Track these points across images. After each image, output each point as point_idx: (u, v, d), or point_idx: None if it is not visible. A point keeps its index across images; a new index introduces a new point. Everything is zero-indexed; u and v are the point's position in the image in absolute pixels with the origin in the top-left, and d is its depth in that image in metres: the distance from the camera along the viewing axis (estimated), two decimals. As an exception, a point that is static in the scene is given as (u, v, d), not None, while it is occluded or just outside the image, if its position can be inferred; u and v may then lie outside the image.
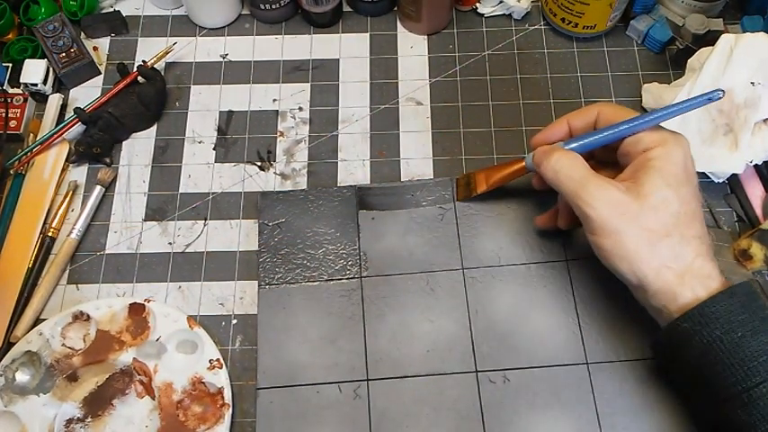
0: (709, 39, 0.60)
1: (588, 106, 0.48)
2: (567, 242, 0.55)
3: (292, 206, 0.57)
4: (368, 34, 0.67)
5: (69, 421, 0.52)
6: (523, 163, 0.50)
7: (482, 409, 0.50)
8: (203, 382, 0.52)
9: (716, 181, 0.57)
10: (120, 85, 0.62)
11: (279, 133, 0.63)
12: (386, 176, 0.60)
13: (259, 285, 0.55)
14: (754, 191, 0.57)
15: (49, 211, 0.59)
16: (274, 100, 0.64)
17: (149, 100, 0.62)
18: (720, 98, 0.42)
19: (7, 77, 0.65)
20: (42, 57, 0.65)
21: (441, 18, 0.66)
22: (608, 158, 0.47)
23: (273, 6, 0.65)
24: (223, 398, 0.51)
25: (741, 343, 0.40)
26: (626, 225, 0.42)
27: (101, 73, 0.66)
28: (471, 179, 0.56)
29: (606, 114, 0.46)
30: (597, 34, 0.65)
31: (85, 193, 0.60)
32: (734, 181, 0.58)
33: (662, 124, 0.45)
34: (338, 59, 0.66)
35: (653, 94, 0.61)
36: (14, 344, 0.53)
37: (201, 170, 0.61)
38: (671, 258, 0.42)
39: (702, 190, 0.58)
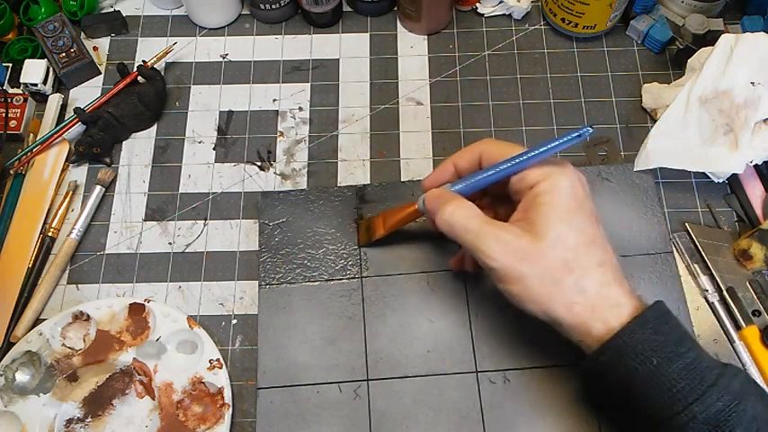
0: (709, 39, 0.61)
1: (472, 145, 0.47)
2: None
3: (293, 206, 0.57)
4: (368, 34, 0.67)
5: (69, 421, 0.52)
6: (416, 206, 0.49)
7: (482, 409, 0.50)
8: (203, 382, 0.52)
9: (716, 181, 0.57)
10: (120, 85, 0.62)
11: (279, 133, 0.63)
12: (386, 176, 0.60)
13: (259, 285, 0.55)
14: (754, 191, 0.57)
15: (49, 211, 0.59)
16: (274, 100, 0.64)
17: (149, 100, 0.62)
18: (591, 134, 0.41)
19: (7, 77, 0.65)
20: (42, 57, 0.65)
21: (441, 18, 0.66)
22: (502, 192, 0.46)
23: (273, 6, 0.65)
24: (223, 398, 0.51)
25: (658, 372, 0.39)
26: (528, 269, 0.41)
27: (101, 73, 0.66)
28: (371, 223, 0.55)
29: (488, 153, 0.45)
30: (597, 34, 0.65)
31: (85, 193, 0.60)
32: (734, 181, 0.58)
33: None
34: (338, 59, 0.66)
35: (653, 94, 0.61)
36: (14, 344, 0.53)
37: (201, 170, 0.61)
38: (577, 293, 0.41)
39: (702, 190, 0.58)
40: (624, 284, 0.42)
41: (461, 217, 0.44)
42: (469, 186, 0.45)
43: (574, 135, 0.41)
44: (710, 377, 0.39)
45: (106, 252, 0.58)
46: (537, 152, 0.42)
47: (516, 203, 0.44)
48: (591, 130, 0.41)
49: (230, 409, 0.51)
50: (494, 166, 0.44)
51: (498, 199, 0.48)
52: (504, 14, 0.67)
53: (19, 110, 0.62)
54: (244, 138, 0.62)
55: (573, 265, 0.41)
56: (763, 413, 0.39)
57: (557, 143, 0.42)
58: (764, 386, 0.51)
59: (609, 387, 0.42)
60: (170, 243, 0.58)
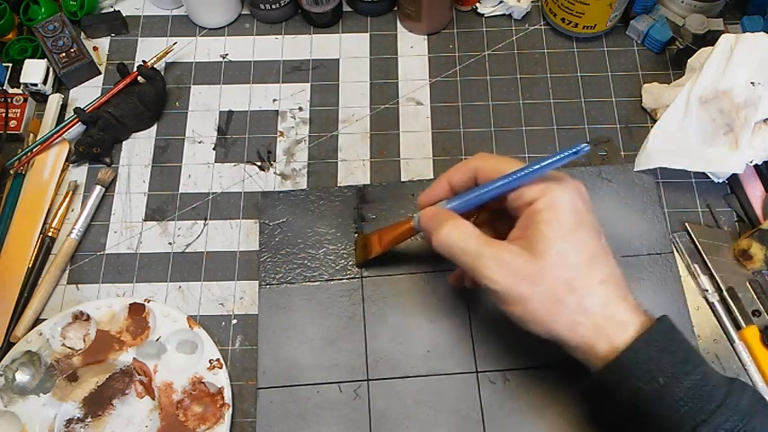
0: (709, 39, 0.61)
1: (466, 161, 0.45)
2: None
3: (293, 206, 0.57)
4: (368, 34, 0.67)
5: (69, 421, 0.52)
6: (412, 223, 0.48)
7: (482, 409, 0.50)
8: (203, 382, 0.52)
9: (716, 181, 0.57)
10: (120, 85, 0.62)
11: (279, 133, 0.63)
12: (386, 176, 0.60)
13: (260, 285, 0.55)
14: (754, 191, 0.57)
15: (49, 211, 0.59)
16: (274, 100, 0.64)
17: (149, 100, 0.62)
18: (586, 151, 0.40)
19: (7, 77, 0.65)
20: (42, 57, 0.65)
21: (441, 18, 0.66)
22: (501, 207, 0.45)
23: (273, 6, 0.65)
24: (223, 398, 0.51)
25: (664, 392, 0.38)
26: (529, 290, 0.40)
27: (101, 73, 0.66)
28: (367, 241, 0.53)
29: (483, 171, 0.44)
30: (597, 34, 0.65)
31: (85, 193, 0.60)
32: (734, 181, 0.58)
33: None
34: (338, 59, 0.66)
35: (653, 94, 0.61)
36: (14, 344, 0.53)
37: (201, 170, 0.61)
38: (580, 313, 0.40)
39: (702, 190, 0.58)
40: (629, 299, 0.41)
41: (458, 238, 0.43)
42: (465, 204, 0.44)
43: (570, 152, 0.40)
44: (718, 396, 0.38)
45: (106, 252, 0.58)
46: (532, 169, 0.41)
47: (515, 219, 0.43)
48: (587, 148, 0.40)
49: (230, 409, 0.51)
50: (489, 184, 0.43)
51: (497, 213, 0.47)
52: (504, 14, 0.67)
53: (19, 110, 0.62)
54: (244, 138, 0.62)
55: (575, 283, 0.40)
56: None
57: (552, 160, 0.41)
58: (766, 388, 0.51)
59: (614, 407, 0.41)
60: (170, 243, 0.58)
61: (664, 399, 0.38)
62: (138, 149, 0.62)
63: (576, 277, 0.40)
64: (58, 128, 0.61)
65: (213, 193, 0.60)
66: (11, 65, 0.65)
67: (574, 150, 0.40)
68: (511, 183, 0.42)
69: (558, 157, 0.40)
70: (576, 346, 0.41)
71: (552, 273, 0.40)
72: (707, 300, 0.54)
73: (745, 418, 0.37)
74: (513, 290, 0.41)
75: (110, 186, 0.60)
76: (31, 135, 0.62)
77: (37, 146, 0.60)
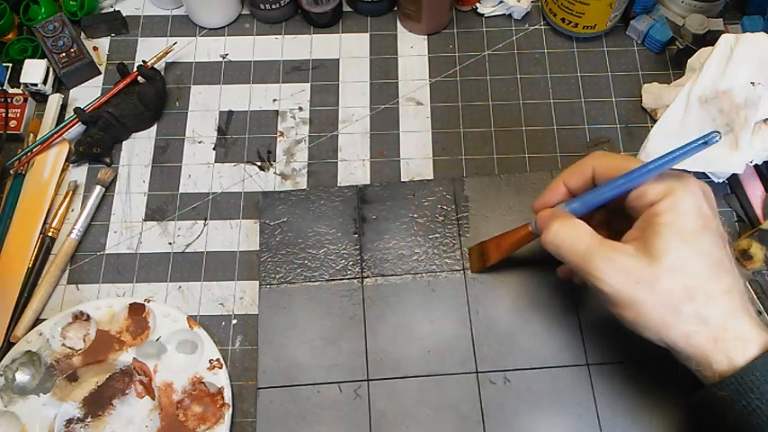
0: (709, 39, 0.61)
1: (582, 160, 0.44)
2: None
3: (293, 206, 0.57)
4: (368, 34, 0.67)
5: (69, 421, 0.52)
6: (530, 228, 0.47)
7: (482, 409, 0.50)
8: (203, 382, 0.52)
9: (716, 181, 0.57)
10: (120, 85, 0.62)
11: (279, 133, 0.63)
12: (386, 176, 0.60)
13: (260, 285, 0.55)
14: (754, 191, 0.57)
15: (49, 211, 0.59)
16: (274, 100, 0.64)
17: (149, 100, 0.62)
18: (717, 141, 0.37)
19: (7, 77, 0.65)
20: (42, 57, 0.65)
21: (441, 18, 0.66)
22: (619, 206, 0.43)
23: (273, 6, 0.65)
24: (223, 398, 0.51)
25: None
26: (643, 294, 0.38)
27: (101, 73, 0.66)
28: (484, 249, 0.53)
29: (601, 170, 0.43)
30: (597, 34, 0.65)
31: (85, 193, 0.60)
32: (734, 181, 0.58)
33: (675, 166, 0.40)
34: (338, 59, 0.66)
35: (653, 94, 0.61)
36: (14, 344, 0.53)
37: (201, 170, 0.61)
38: (699, 323, 0.38)
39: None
40: (752, 314, 0.39)
41: (568, 236, 0.41)
42: (585, 205, 0.43)
43: (699, 143, 0.38)
44: None
45: (106, 252, 0.58)
46: (656, 165, 0.39)
47: (633, 218, 0.41)
48: (718, 138, 0.37)
49: (230, 409, 0.51)
50: (609, 183, 0.41)
51: (614, 212, 0.45)
52: (504, 14, 0.67)
53: (19, 110, 0.62)
54: (244, 138, 0.62)
55: (694, 291, 0.38)
56: None
57: (678, 153, 0.38)
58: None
59: (723, 424, 0.39)
60: (170, 243, 0.58)
61: None
62: (138, 149, 0.62)
63: (697, 285, 0.38)
64: (58, 128, 0.61)
65: (213, 193, 0.60)
66: (11, 65, 0.65)
67: (704, 140, 0.38)
68: (633, 180, 0.40)
69: (685, 149, 0.38)
70: (691, 356, 0.39)
71: (670, 278, 0.38)
72: (707, 300, 0.54)
73: None
74: (625, 293, 0.39)
75: (110, 186, 0.60)
76: (31, 135, 0.62)
77: (37, 146, 0.60)
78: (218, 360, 0.52)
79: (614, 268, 0.39)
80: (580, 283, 0.48)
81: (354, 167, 0.61)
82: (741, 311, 0.39)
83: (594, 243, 0.40)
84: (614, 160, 0.43)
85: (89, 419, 0.52)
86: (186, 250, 0.58)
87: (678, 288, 0.38)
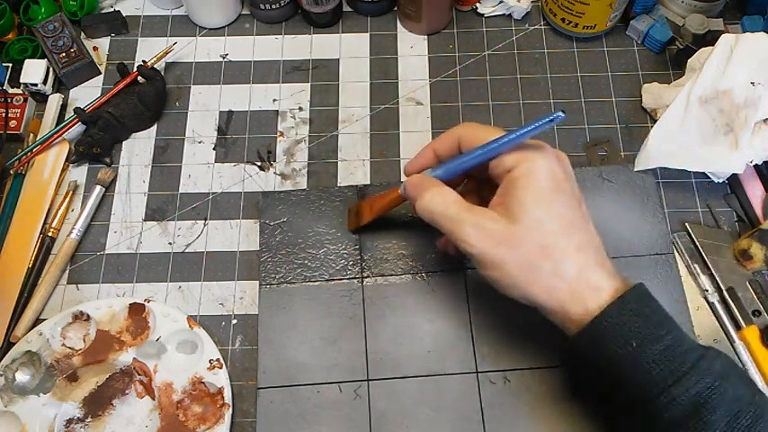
0: (709, 39, 0.61)
1: (450, 130, 0.47)
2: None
3: (294, 206, 0.57)
4: (368, 34, 0.67)
5: (69, 421, 0.52)
6: (399, 191, 0.49)
7: (482, 409, 0.50)
8: (203, 382, 0.52)
9: (716, 181, 0.57)
10: (120, 85, 0.62)
11: (279, 133, 0.63)
12: (386, 176, 0.60)
13: (260, 285, 0.55)
14: (754, 191, 0.57)
15: (49, 211, 0.59)
16: (274, 100, 0.64)
17: (149, 100, 0.62)
18: (562, 119, 0.40)
19: (7, 77, 0.65)
20: (42, 57, 0.65)
21: (441, 18, 0.66)
22: (486, 176, 0.45)
23: (273, 6, 0.65)
24: (223, 398, 0.51)
25: (636, 354, 0.39)
26: (505, 254, 0.41)
27: (101, 73, 0.66)
28: (360, 209, 0.55)
29: (466, 138, 0.45)
30: (597, 34, 0.65)
31: (85, 193, 0.60)
32: (734, 181, 0.58)
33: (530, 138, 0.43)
34: (338, 59, 0.66)
35: (653, 94, 0.61)
36: (14, 344, 0.53)
37: (201, 170, 0.61)
38: (556, 278, 0.41)
39: (702, 190, 0.58)
40: (606, 266, 0.42)
41: (439, 203, 0.44)
42: (448, 171, 0.46)
43: (546, 120, 0.41)
44: (690, 359, 0.39)
45: (106, 252, 0.58)
46: (511, 137, 0.42)
47: (498, 187, 0.44)
48: (562, 116, 0.41)
49: (230, 409, 0.51)
50: (471, 152, 0.44)
51: (483, 182, 0.48)
52: (504, 14, 0.67)
53: (19, 110, 0.62)
54: (244, 138, 0.62)
55: (550, 249, 0.41)
56: (744, 394, 0.39)
57: (529, 128, 0.41)
58: (762, 383, 0.51)
59: (590, 371, 0.42)
60: (170, 243, 0.58)
61: (636, 361, 0.39)
62: (138, 149, 0.62)
63: (552, 243, 0.41)
64: (58, 128, 0.61)
65: (213, 193, 0.60)
66: (11, 65, 0.65)
67: (550, 118, 0.41)
68: (492, 150, 0.43)
69: (534, 125, 0.41)
70: (553, 310, 0.42)
71: (528, 238, 0.41)
72: (707, 300, 0.54)
73: (717, 381, 0.38)
74: (489, 254, 0.42)
75: (110, 186, 0.60)
76: (31, 135, 0.62)
77: (37, 146, 0.60)
78: (218, 360, 0.52)
79: (479, 232, 0.42)
80: (453, 253, 0.51)
81: (354, 167, 0.61)
82: (594, 265, 0.41)
83: (462, 209, 0.43)
84: (478, 131, 0.45)
85: (89, 419, 0.52)
86: (186, 250, 0.58)
87: (535, 247, 0.41)
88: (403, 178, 0.60)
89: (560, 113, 0.41)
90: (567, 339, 0.43)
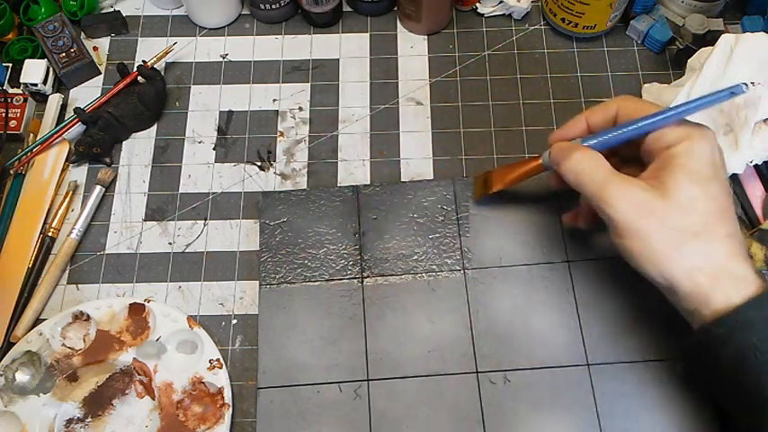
0: (709, 39, 0.61)
1: (608, 101, 0.45)
2: (569, 243, 0.55)
3: (294, 206, 0.57)
4: (368, 34, 0.67)
5: (69, 421, 0.52)
6: (540, 161, 0.48)
7: (482, 409, 0.50)
8: (203, 382, 0.52)
9: (716, 181, 0.57)
10: (120, 85, 0.62)
11: (279, 133, 0.63)
12: (386, 176, 0.60)
13: (260, 285, 0.55)
14: (754, 191, 0.57)
15: (49, 211, 0.59)
16: (274, 100, 0.64)
17: (149, 100, 0.62)
18: (744, 92, 0.39)
19: (7, 77, 0.65)
20: (42, 57, 0.65)
21: (441, 18, 0.66)
22: (631, 155, 0.45)
23: (273, 6, 0.65)
24: (223, 398, 0.51)
25: None
26: (652, 226, 0.40)
27: (101, 73, 0.66)
28: (488, 177, 0.55)
29: (626, 110, 0.44)
30: (597, 34, 0.65)
31: (85, 193, 0.60)
32: (734, 181, 0.58)
33: (687, 118, 0.43)
34: (338, 59, 0.66)
35: (653, 94, 0.61)
36: (14, 344, 0.53)
37: (201, 170, 0.61)
38: (701, 260, 0.40)
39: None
40: (750, 261, 0.41)
41: (588, 165, 0.42)
42: (602, 143, 0.44)
43: (724, 92, 0.39)
44: None
45: (106, 252, 0.58)
46: (678, 111, 0.41)
47: (646, 165, 0.43)
48: (744, 88, 0.39)
49: (230, 409, 0.51)
50: (631, 122, 0.43)
51: (627, 162, 0.46)
52: (504, 14, 0.67)
53: (19, 110, 0.62)
54: (244, 138, 0.62)
55: (700, 230, 0.40)
56: None
57: (705, 101, 0.40)
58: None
59: (718, 363, 0.40)
60: (170, 243, 0.58)
61: None
62: (138, 149, 0.62)
63: (704, 224, 0.40)
64: (58, 128, 0.61)
65: (213, 193, 0.60)
66: (11, 65, 0.65)
67: (731, 90, 0.39)
68: (655, 123, 0.42)
69: (712, 97, 0.40)
70: (689, 293, 0.40)
71: (680, 214, 0.40)
72: (707, 300, 0.54)
73: None
74: (634, 222, 0.40)
75: (110, 186, 0.60)
76: (31, 135, 0.62)
77: (37, 146, 0.60)
78: (218, 360, 0.52)
79: (628, 198, 0.41)
80: (585, 227, 0.49)
81: (354, 167, 0.61)
82: (741, 256, 0.40)
83: (612, 173, 0.42)
84: (639, 104, 0.44)
85: (89, 419, 0.52)
86: (186, 250, 0.58)
87: (685, 225, 0.40)
88: (404, 177, 0.60)
89: (742, 84, 0.39)
90: (689, 335, 0.41)
